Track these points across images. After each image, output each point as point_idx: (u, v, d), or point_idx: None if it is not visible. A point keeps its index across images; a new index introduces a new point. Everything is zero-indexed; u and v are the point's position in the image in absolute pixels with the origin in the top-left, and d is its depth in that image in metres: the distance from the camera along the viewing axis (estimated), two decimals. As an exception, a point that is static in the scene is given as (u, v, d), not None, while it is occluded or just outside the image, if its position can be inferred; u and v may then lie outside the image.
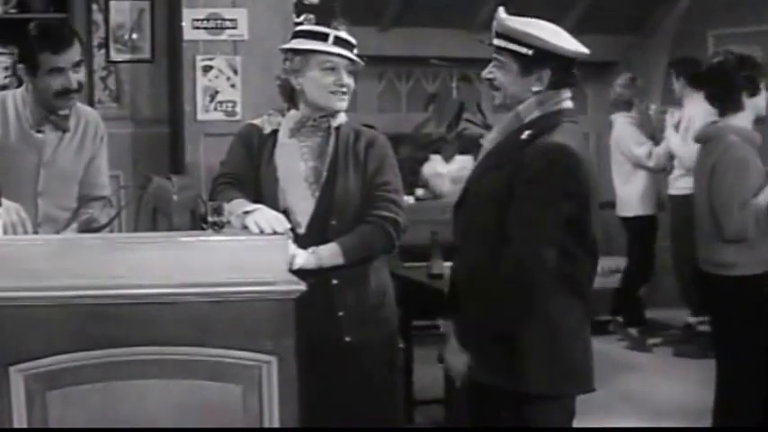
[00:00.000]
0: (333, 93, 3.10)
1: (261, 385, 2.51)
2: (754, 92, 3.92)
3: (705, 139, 4.06)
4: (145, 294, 2.47)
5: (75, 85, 3.25)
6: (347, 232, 3.08)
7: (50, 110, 3.29)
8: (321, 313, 3.05)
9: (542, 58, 2.76)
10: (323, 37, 3.11)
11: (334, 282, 3.08)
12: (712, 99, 4.05)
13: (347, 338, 3.11)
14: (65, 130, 3.33)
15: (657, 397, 5.41)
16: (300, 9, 4.74)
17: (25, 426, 2.43)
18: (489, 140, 2.89)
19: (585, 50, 2.82)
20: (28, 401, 2.44)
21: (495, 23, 2.85)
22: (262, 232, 2.75)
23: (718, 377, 4.08)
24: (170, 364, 2.48)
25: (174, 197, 2.83)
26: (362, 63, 3.13)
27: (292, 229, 2.93)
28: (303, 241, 3.02)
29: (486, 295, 2.73)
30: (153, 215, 2.90)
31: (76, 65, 3.26)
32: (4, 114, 3.31)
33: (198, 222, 2.79)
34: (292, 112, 3.15)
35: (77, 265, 2.47)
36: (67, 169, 3.36)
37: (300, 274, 2.75)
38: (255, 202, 2.96)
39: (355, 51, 3.13)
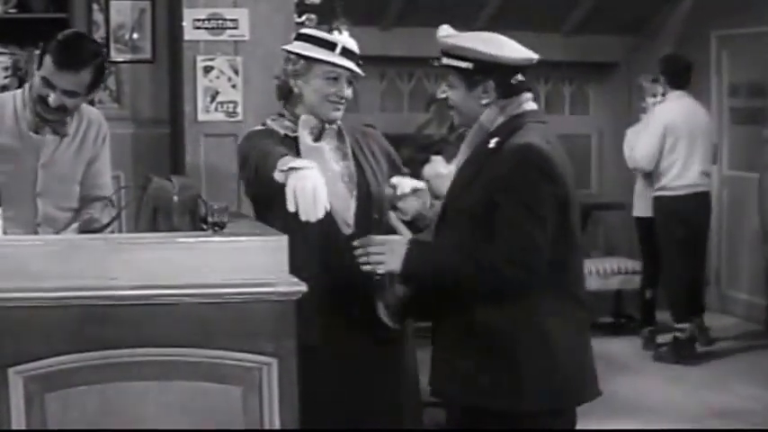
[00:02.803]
0: (331, 102, 3.09)
1: (261, 387, 2.51)
2: None
3: None
4: (145, 295, 2.46)
5: (54, 105, 3.17)
6: (386, 224, 3.11)
7: (34, 111, 3.26)
8: (366, 306, 3.03)
9: (482, 70, 2.74)
10: (330, 46, 3.09)
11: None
12: None
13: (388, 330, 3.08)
14: (63, 135, 3.32)
15: (657, 400, 5.40)
16: (302, 9, 4.73)
17: (24, 427, 2.42)
18: (460, 157, 2.87)
19: (531, 56, 2.78)
20: (27, 403, 2.43)
21: (440, 41, 2.86)
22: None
23: None
24: (170, 366, 2.48)
25: (175, 198, 2.82)
26: (363, 75, 3.13)
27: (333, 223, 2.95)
28: (351, 240, 3.00)
29: (475, 311, 2.68)
30: (153, 215, 2.89)
31: (70, 94, 3.18)
32: (2, 116, 3.30)
33: (198, 223, 2.78)
34: (304, 116, 3.11)
35: (77, 266, 2.47)
36: (67, 170, 3.34)
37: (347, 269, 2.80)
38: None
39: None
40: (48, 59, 3.16)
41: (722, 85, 7.36)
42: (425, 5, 6.99)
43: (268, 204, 2.95)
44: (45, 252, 2.50)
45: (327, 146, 3.12)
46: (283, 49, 3.17)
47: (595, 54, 7.83)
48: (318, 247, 2.98)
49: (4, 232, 2.82)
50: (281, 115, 3.15)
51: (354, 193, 3.13)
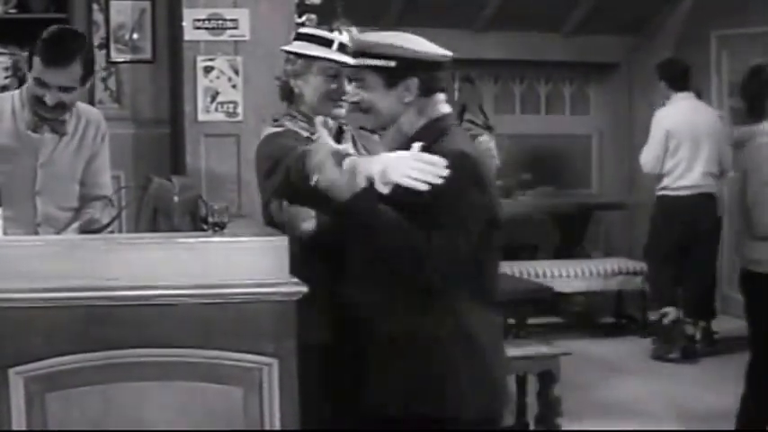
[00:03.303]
0: (332, 99, 3.07)
1: (262, 388, 2.50)
2: None
3: (740, 141, 4.17)
4: (145, 296, 2.46)
5: (51, 103, 3.18)
6: None
7: (32, 111, 3.26)
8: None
9: (406, 67, 2.66)
10: (327, 43, 3.08)
11: None
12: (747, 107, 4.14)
13: None
14: (62, 134, 3.32)
15: (658, 400, 5.40)
16: (302, 9, 4.73)
17: (24, 428, 2.42)
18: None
19: (448, 53, 2.71)
20: (27, 403, 2.43)
21: (351, 44, 2.79)
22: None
23: (747, 377, 4.11)
24: (170, 366, 2.47)
25: (175, 198, 2.82)
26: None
27: None
28: None
29: (399, 319, 2.60)
30: (153, 216, 2.88)
31: (65, 89, 3.18)
32: (0, 116, 3.30)
33: (198, 223, 2.78)
34: (320, 117, 3.08)
35: (77, 267, 2.46)
36: (66, 169, 3.34)
37: None
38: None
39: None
40: (36, 59, 3.16)
41: (722, 85, 7.37)
42: (425, 6, 6.99)
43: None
44: (45, 252, 2.49)
45: (346, 145, 3.09)
46: (282, 50, 3.17)
47: (595, 54, 7.82)
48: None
49: (5, 232, 2.82)
50: (293, 116, 3.11)
51: None
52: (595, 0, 7.39)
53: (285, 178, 2.72)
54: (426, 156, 2.48)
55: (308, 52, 3.08)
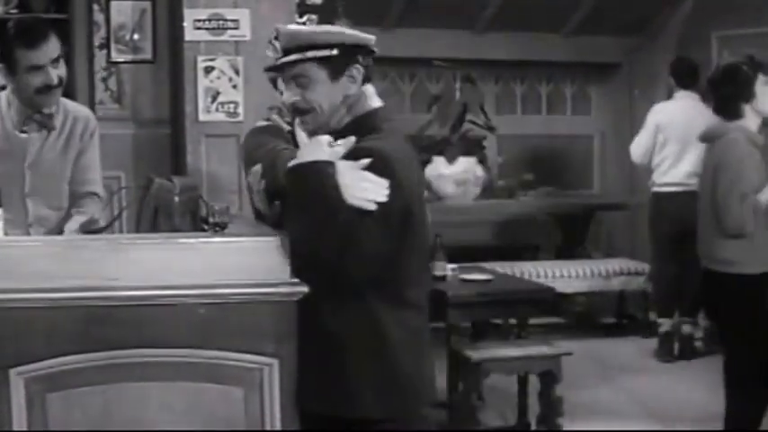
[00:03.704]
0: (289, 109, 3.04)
1: (262, 388, 2.50)
2: (748, 98, 4.01)
3: (710, 137, 4.13)
4: (146, 296, 2.46)
5: (55, 81, 3.22)
6: None
7: (34, 108, 3.28)
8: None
9: (348, 53, 2.55)
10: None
11: None
12: (719, 106, 4.11)
13: None
14: (50, 129, 3.32)
15: (660, 400, 5.40)
16: (303, 9, 4.73)
17: (25, 428, 2.42)
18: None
19: (373, 37, 2.61)
20: (28, 404, 2.43)
21: (277, 42, 2.60)
22: None
23: (725, 377, 4.09)
24: (171, 367, 2.47)
25: (176, 198, 2.82)
26: None
27: None
28: None
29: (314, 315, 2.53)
30: (154, 216, 2.89)
31: (55, 60, 3.23)
32: None
33: (199, 224, 2.78)
34: (298, 119, 3.06)
35: (78, 267, 2.46)
36: (54, 169, 3.35)
37: None
38: None
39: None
40: (18, 54, 3.17)
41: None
42: (426, 6, 6.99)
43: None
44: (46, 253, 2.49)
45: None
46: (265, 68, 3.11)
47: (597, 55, 7.82)
48: None
49: (5, 233, 2.81)
50: (280, 109, 3.12)
51: None
52: (596, 0, 7.39)
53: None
54: (369, 175, 2.43)
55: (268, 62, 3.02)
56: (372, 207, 2.42)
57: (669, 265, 6.33)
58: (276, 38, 2.59)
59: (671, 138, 6.25)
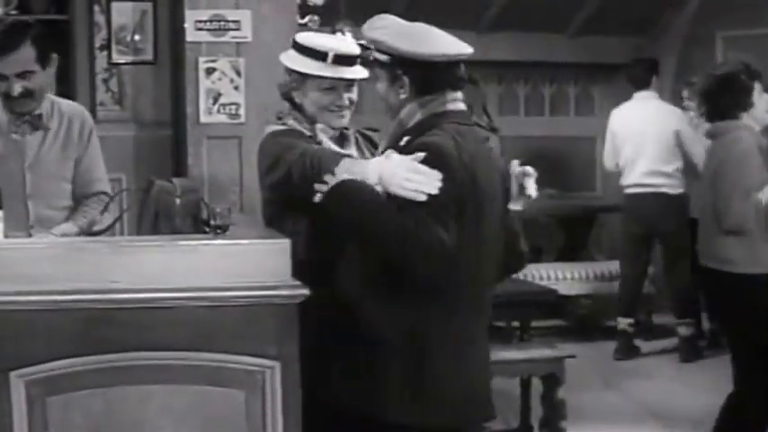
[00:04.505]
0: (331, 111, 3.04)
1: (264, 391, 2.50)
2: (746, 107, 4.01)
3: (715, 134, 4.13)
4: (147, 299, 2.46)
5: (15, 93, 3.18)
6: None
7: (15, 111, 3.26)
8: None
9: (398, 64, 2.71)
10: (322, 56, 3.00)
11: None
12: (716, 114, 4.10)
13: None
14: (44, 129, 3.31)
15: (660, 402, 5.39)
16: (305, 10, 4.72)
17: (26, 431, 2.41)
18: (379, 151, 2.81)
19: (448, 52, 2.72)
20: (28, 407, 2.43)
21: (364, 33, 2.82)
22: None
23: (733, 376, 4.08)
24: (172, 370, 2.47)
25: (177, 200, 2.82)
26: (365, 77, 3.04)
27: None
28: None
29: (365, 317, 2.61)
30: (155, 218, 2.88)
31: (20, 75, 3.18)
32: None
33: (200, 226, 2.77)
34: (320, 125, 3.05)
35: (79, 269, 2.46)
36: (54, 169, 3.34)
37: None
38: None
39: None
40: None
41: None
42: (428, 7, 6.98)
43: (295, 205, 2.84)
44: (46, 255, 2.49)
45: (348, 150, 3.07)
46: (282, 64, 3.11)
47: (600, 55, 7.81)
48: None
49: (6, 235, 2.80)
50: (295, 117, 3.06)
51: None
52: (600, 1, 7.38)
53: (286, 175, 2.74)
54: (420, 166, 2.54)
55: (301, 69, 3.01)
56: (423, 198, 2.52)
57: (634, 266, 6.42)
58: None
59: (626, 140, 6.36)
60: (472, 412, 2.74)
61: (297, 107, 3.07)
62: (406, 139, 2.67)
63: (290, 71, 3.04)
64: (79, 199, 3.39)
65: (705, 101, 4.21)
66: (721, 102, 4.04)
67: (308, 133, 3.00)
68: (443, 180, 2.54)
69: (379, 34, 2.75)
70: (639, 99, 6.44)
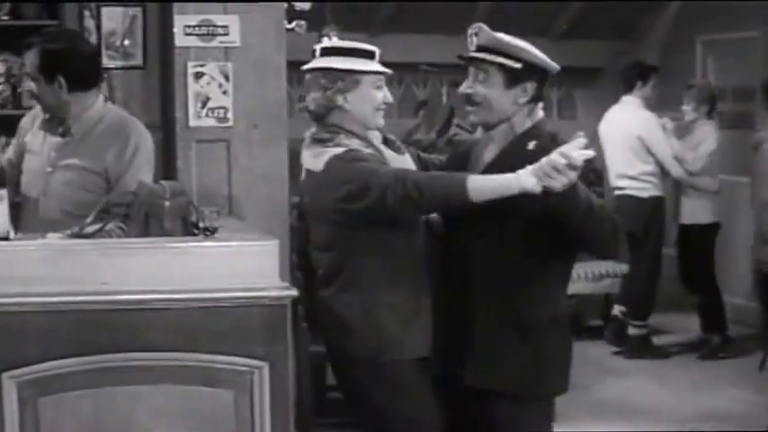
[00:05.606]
0: (380, 110, 3.09)
1: (252, 391, 2.53)
2: None
3: (754, 145, 4.18)
4: (137, 300, 2.47)
5: (25, 89, 3.31)
6: None
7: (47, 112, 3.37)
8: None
9: (529, 70, 2.84)
10: (370, 55, 3.13)
11: None
12: None
13: None
14: (62, 135, 3.35)
15: (646, 402, 5.42)
16: (292, 15, 4.75)
17: (17, 432, 2.43)
18: (487, 155, 2.88)
19: (558, 67, 2.93)
20: (20, 408, 2.45)
21: (476, 37, 2.93)
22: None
23: None
24: (162, 370, 2.49)
25: (166, 203, 2.83)
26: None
27: None
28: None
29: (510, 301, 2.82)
30: (145, 221, 2.89)
31: (29, 75, 3.26)
32: (35, 117, 3.45)
33: (190, 228, 2.80)
34: (371, 132, 3.06)
35: (69, 271, 2.48)
36: (73, 176, 3.31)
37: None
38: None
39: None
40: None
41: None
42: (413, 12, 7.01)
43: (395, 223, 2.88)
44: (37, 257, 2.51)
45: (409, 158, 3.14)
46: (324, 68, 3.05)
47: (583, 59, 7.85)
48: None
49: (16, 233, 2.79)
50: (336, 133, 2.99)
51: None
52: (582, 5, 7.42)
53: (379, 200, 2.76)
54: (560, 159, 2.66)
55: (362, 68, 3.06)
56: (560, 188, 2.63)
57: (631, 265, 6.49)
58: (476, 33, 2.95)
59: (606, 143, 6.40)
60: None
61: (334, 118, 3.01)
62: (534, 143, 2.81)
63: (341, 74, 3.02)
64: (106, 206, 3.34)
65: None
66: None
67: (369, 150, 2.97)
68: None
69: (513, 40, 2.88)
70: (621, 103, 6.49)
